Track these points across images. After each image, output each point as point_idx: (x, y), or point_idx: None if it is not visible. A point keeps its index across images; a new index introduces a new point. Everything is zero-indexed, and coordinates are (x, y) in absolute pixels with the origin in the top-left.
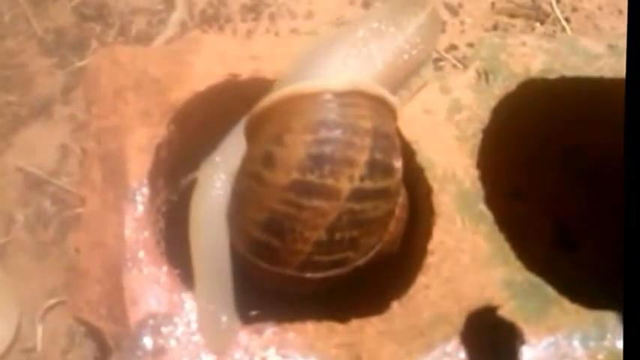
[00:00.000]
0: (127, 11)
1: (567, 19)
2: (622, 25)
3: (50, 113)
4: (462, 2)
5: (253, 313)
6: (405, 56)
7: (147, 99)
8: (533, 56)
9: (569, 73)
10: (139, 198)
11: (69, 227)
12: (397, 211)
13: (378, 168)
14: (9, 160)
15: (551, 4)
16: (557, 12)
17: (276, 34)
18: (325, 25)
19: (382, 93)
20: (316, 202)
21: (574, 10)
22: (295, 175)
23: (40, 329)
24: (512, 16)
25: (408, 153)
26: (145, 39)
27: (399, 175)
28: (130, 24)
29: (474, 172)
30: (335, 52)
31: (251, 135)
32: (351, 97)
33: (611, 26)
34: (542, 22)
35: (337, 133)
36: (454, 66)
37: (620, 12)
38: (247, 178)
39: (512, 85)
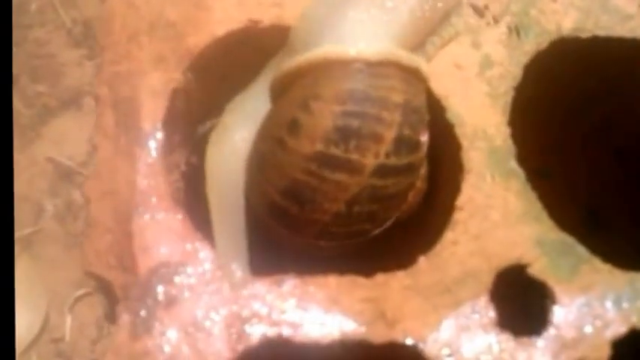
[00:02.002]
0: None
1: None
2: None
3: (80, 105)
4: None
5: (272, 264)
6: (430, 2)
7: (162, 43)
8: (565, 13)
9: (601, 32)
10: (152, 143)
11: None
12: (418, 183)
13: (404, 144)
14: (39, 150)
15: None
16: None
17: None
18: None
19: (416, 63)
20: (339, 176)
21: None
22: (319, 147)
23: (68, 319)
24: None
25: (437, 109)
26: None
27: (424, 149)
28: None
29: (506, 130)
30: (357, 3)
31: (277, 95)
32: (383, 67)
33: None
34: None
35: (366, 106)
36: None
37: None
38: (270, 141)
39: (544, 42)
